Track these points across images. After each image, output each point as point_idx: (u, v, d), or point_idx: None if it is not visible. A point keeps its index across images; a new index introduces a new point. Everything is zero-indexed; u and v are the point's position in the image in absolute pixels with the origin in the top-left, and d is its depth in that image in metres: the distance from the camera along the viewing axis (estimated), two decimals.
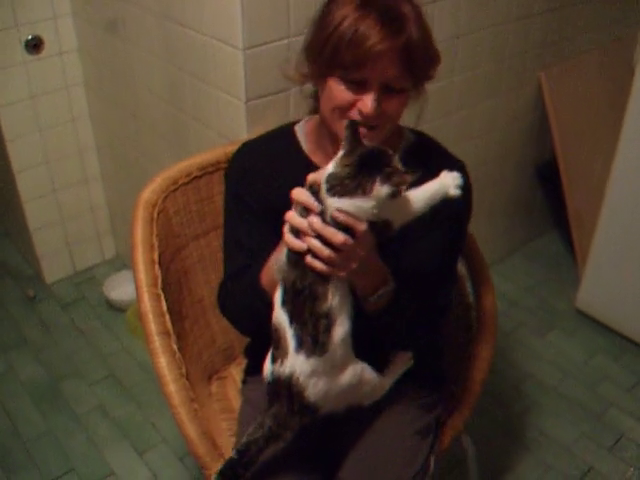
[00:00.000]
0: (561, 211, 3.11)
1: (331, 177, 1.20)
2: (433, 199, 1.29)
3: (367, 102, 1.35)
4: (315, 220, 1.21)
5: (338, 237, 1.20)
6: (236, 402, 1.85)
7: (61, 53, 2.72)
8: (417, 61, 1.34)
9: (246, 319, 1.56)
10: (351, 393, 1.40)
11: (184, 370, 1.57)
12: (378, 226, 1.24)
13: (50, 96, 2.78)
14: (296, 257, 1.27)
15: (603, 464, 2.37)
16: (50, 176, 2.94)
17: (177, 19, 2.05)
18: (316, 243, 1.22)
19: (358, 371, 1.39)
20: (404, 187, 1.19)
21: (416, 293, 1.45)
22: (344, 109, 1.38)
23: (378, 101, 1.35)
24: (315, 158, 1.54)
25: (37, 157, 2.87)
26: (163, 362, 1.54)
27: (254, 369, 1.76)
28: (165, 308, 1.61)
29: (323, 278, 1.27)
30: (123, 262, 3.24)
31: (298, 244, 1.25)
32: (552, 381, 2.69)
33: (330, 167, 1.22)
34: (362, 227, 1.20)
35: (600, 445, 2.43)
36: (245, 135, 1.93)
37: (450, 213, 1.36)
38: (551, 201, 3.38)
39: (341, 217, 1.19)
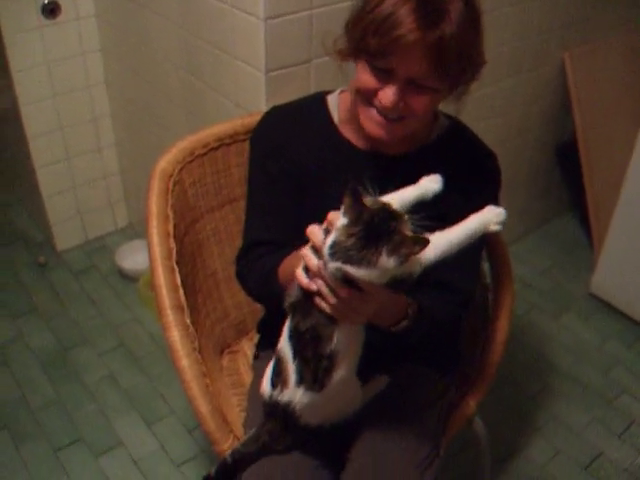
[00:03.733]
0: (579, 193, 3.08)
1: (334, 245, 1.12)
2: (472, 237, 1.25)
3: (388, 93, 1.31)
4: (322, 268, 1.16)
5: (341, 292, 1.16)
6: (247, 377, 1.84)
7: (78, 18, 2.68)
8: (449, 61, 1.26)
9: (261, 296, 1.60)
10: (341, 411, 1.44)
11: (196, 344, 1.56)
12: (396, 281, 1.18)
13: (66, 62, 2.75)
14: (306, 294, 1.24)
15: (613, 450, 2.35)
16: (64, 143, 2.92)
17: None
18: (324, 289, 1.18)
19: (356, 390, 1.43)
20: (411, 254, 1.12)
21: (441, 296, 1.44)
22: (367, 94, 1.35)
23: (400, 95, 1.30)
24: (344, 130, 1.51)
25: (51, 123, 2.84)
26: (176, 336, 1.52)
27: (266, 344, 1.75)
28: (179, 282, 1.59)
29: (330, 320, 1.24)
30: (135, 231, 3.22)
31: (307, 284, 1.21)
32: (565, 365, 2.67)
33: (333, 236, 1.13)
34: (368, 286, 1.15)
35: (611, 431, 2.42)
36: (264, 107, 1.90)
37: (479, 207, 1.32)
38: (569, 183, 3.35)
39: (343, 272, 1.13)
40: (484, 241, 1.65)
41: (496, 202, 1.50)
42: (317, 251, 1.18)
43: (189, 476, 2.22)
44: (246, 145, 1.62)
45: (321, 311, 1.22)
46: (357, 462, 1.46)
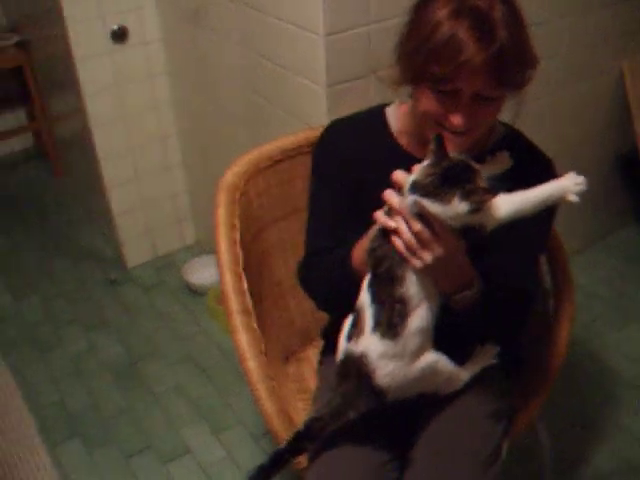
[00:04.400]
0: None
1: (414, 184, 1.22)
2: (547, 201, 1.28)
3: (458, 117, 1.34)
4: (404, 204, 1.24)
5: (415, 225, 1.23)
6: (312, 383, 1.88)
7: (145, 43, 2.79)
8: (510, 69, 1.29)
9: (328, 294, 1.59)
10: (424, 382, 1.42)
11: (263, 347, 1.61)
12: (468, 229, 1.25)
13: (134, 84, 2.86)
14: (384, 237, 1.31)
15: None
16: (133, 163, 3.03)
17: (257, 6, 2.09)
18: (401, 223, 1.25)
19: (432, 362, 1.40)
20: (483, 204, 1.20)
21: (504, 285, 1.45)
22: (435, 118, 1.38)
23: (469, 112, 1.34)
24: (403, 141, 1.55)
25: (121, 144, 2.95)
26: (243, 339, 1.58)
27: (331, 350, 1.78)
28: (246, 287, 1.65)
29: (403, 262, 1.29)
30: (203, 248, 3.30)
31: (387, 221, 1.28)
32: (629, 375, 2.65)
33: (414, 175, 1.24)
34: (438, 224, 1.22)
35: None
36: (325, 120, 1.95)
37: (537, 214, 1.34)
38: (632, 193, 3.32)
39: (419, 207, 1.21)
40: (546, 240, 1.67)
41: (554, 209, 1.54)
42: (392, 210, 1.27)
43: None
44: (309, 157, 1.66)
45: (396, 250, 1.28)
46: (420, 462, 1.48)
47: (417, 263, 1.27)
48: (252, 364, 1.56)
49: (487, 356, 1.55)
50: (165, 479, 2.29)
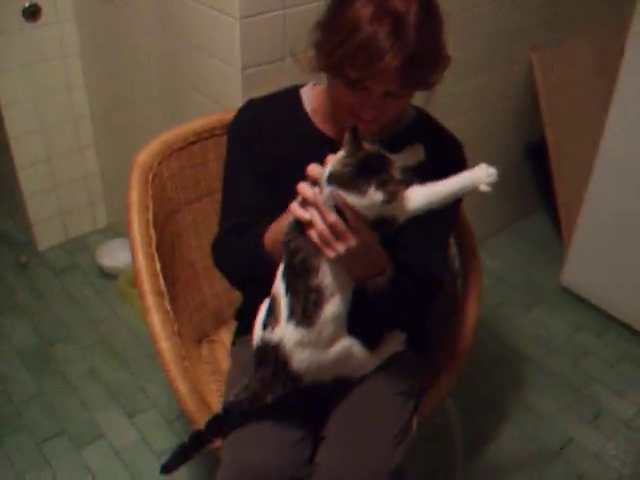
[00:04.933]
0: (549, 190, 3.16)
1: (331, 175, 1.24)
2: (459, 192, 1.31)
3: (368, 111, 1.38)
4: (318, 196, 1.27)
5: (330, 216, 1.26)
6: (225, 365, 1.89)
7: (58, 22, 2.73)
8: (421, 73, 1.33)
9: (241, 275, 1.61)
10: (338, 367, 1.46)
11: (176, 328, 1.61)
12: (381, 221, 1.29)
13: (46, 64, 2.80)
14: (298, 229, 1.33)
15: (583, 436, 2.42)
16: (44, 143, 2.96)
17: None
18: (315, 215, 1.27)
19: (346, 347, 1.44)
20: (397, 195, 1.23)
21: (413, 271, 1.48)
22: (346, 107, 1.41)
23: (380, 106, 1.37)
24: (317, 121, 1.57)
25: (32, 124, 2.89)
26: (156, 320, 1.58)
27: (244, 330, 1.79)
28: (159, 268, 1.65)
29: (318, 254, 1.32)
30: (115, 231, 3.26)
31: (302, 213, 1.29)
32: (535, 355, 2.74)
33: (330, 166, 1.25)
34: (350, 215, 1.25)
35: (581, 418, 2.49)
36: (240, 103, 1.93)
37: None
38: (540, 180, 3.42)
39: (336, 198, 1.24)
40: (453, 226, 1.72)
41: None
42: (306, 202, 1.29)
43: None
44: (223, 140, 1.66)
45: (311, 242, 1.30)
46: (331, 439, 1.51)
47: (331, 253, 1.30)
48: (165, 345, 1.56)
49: (395, 343, 1.60)
50: (79, 464, 2.27)
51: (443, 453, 2.19)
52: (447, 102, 2.62)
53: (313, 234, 1.30)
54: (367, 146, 1.26)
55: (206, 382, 1.79)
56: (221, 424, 1.50)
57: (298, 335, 1.37)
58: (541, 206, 3.55)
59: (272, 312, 1.41)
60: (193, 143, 1.84)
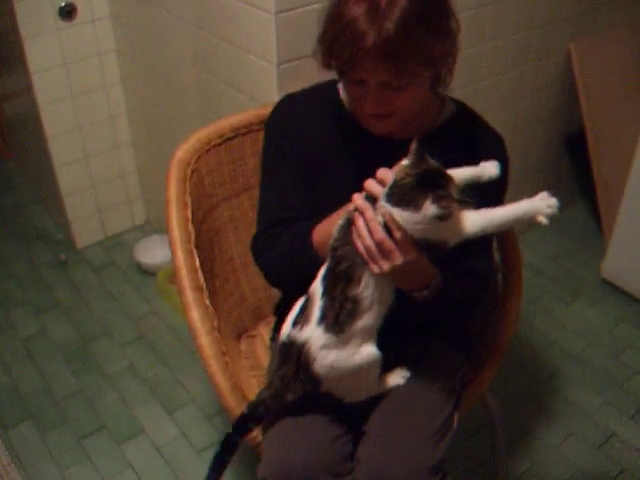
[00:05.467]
0: (588, 182, 3.12)
1: (394, 185, 1.25)
2: (516, 221, 1.31)
3: (368, 104, 1.38)
4: (369, 210, 1.27)
5: (377, 233, 1.26)
6: (265, 360, 1.89)
7: (94, 20, 2.75)
8: (404, 59, 1.28)
9: (283, 272, 1.58)
10: (353, 380, 1.45)
11: (216, 324, 1.61)
12: (431, 244, 1.29)
13: (82, 63, 2.82)
14: (347, 236, 1.33)
15: (625, 431, 2.39)
16: (82, 142, 2.99)
17: None
18: (364, 228, 1.28)
19: (371, 355, 1.42)
20: (451, 212, 1.23)
21: (462, 276, 1.49)
22: (354, 101, 1.42)
23: (380, 99, 1.36)
24: (356, 115, 1.55)
25: (69, 123, 2.91)
26: (196, 315, 1.58)
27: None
28: (198, 264, 1.65)
29: (363, 265, 1.32)
30: (153, 228, 3.29)
31: (357, 218, 1.30)
32: (576, 349, 2.71)
33: (394, 173, 1.26)
34: (399, 235, 1.25)
35: (622, 412, 2.45)
36: (276, 99, 1.94)
37: (489, 188, 1.37)
38: (579, 171, 3.38)
39: (386, 216, 1.24)
40: None
41: (504, 187, 1.56)
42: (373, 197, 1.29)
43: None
44: (260, 135, 1.67)
45: (357, 251, 1.30)
46: (373, 436, 1.50)
47: (375, 269, 1.30)
48: (205, 340, 1.57)
49: (398, 377, 1.58)
50: (119, 460, 2.29)
51: (484, 448, 2.17)
52: (484, 94, 2.61)
53: (360, 245, 1.30)
54: (431, 161, 1.26)
55: (246, 377, 1.80)
56: (246, 422, 1.52)
57: (325, 340, 1.37)
58: (580, 198, 3.51)
59: (304, 311, 1.41)
60: (230, 139, 1.84)
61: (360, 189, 1.32)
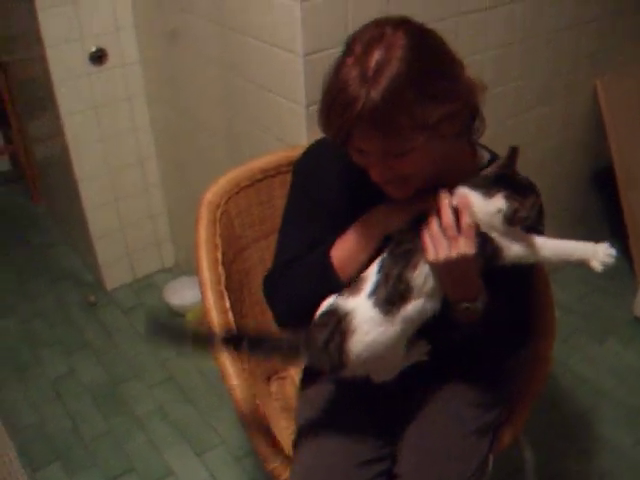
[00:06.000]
0: (618, 219, 3.09)
1: (477, 175, 1.33)
2: (568, 257, 1.35)
3: (373, 172, 1.35)
4: (446, 197, 1.31)
5: (446, 216, 1.29)
6: (295, 402, 1.88)
7: (124, 65, 2.80)
8: (393, 125, 1.22)
9: (300, 305, 1.48)
10: (380, 360, 1.40)
11: (246, 365, 1.61)
12: (488, 249, 1.31)
13: (112, 106, 2.87)
14: (416, 224, 1.35)
15: None
16: (112, 184, 3.02)
17: (236, 27, 2.11)
18: (434, 210, 1.32)
19: (397, 352, 1.40)
20: (518, 218, 1.27)
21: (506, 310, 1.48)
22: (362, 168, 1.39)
23: (385, 167, 1.31)
24: None
25: (99, 166, 2.95)
26: (227, 357, 1.58)
27: (312, 369, 1.79)
28: (228, 305, 1.65)
29: (422, 251, 1.33)
30: (182, 270, 3.30)
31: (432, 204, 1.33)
32: (609, 387, 2.67)
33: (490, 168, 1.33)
34: (467, 221, 1.27)
35: None
36: (304, 140, 1.97)
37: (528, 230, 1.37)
38: (607, 210, 3.36)
39: (461, 198, 1.29)
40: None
41: (543, 231, 1.54)
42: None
43: None
44: (289, 177, 1.66)
45: (420, 237, 1.32)
46: (406, 477, 1.49)
47: (431, 255, 1.30)
48: (236, 382, 1.56)
49: (418, 351, 1.51)
50: None
51: None
52: (509, 133, 2.60)
53: (425, 230, 1.31)
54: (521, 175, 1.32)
55: (276, 419, 1.78)
56: (240, 341, 1.40)
57: (373, 314, 1.33)
58: (610, 235, 3.47)
59: (355, 284, 1.38)
60: (260, 180, 1.85)
61: None
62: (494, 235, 1.31)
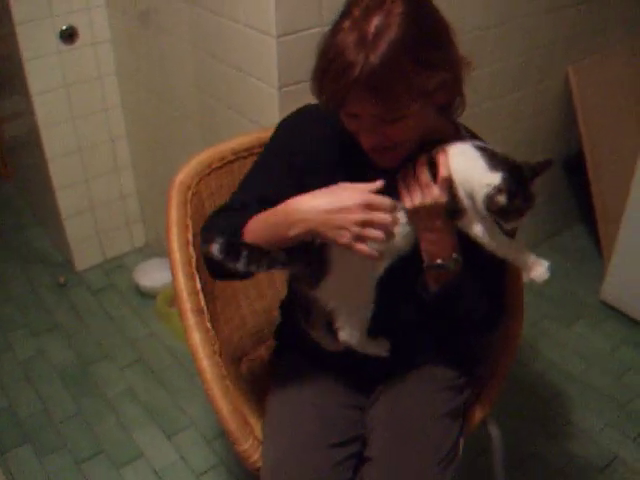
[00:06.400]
0: (587, 204, 3.12)
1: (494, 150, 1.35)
2: (511, 258, 1.40)
3: (364, 138, 1.36)
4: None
5: (421, 166, 1.35)
6: (266, 383, 1.88)
7: (94, 43, 2.77)
8: (391, 90, 1.24)
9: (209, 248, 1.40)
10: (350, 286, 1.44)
11: (217, 347, 1.61)
12: (452, 205, 1.35)
13: (83, 85, 2.83)
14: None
15: (627, 453, 2.37)
16: (82, 164, 2.99)
17: (209, 7, 2.09)
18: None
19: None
20: (496, 201, 1.28)
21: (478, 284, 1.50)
22: (353, 133, 1.39)
23: (376, 133, 1.33)
24: None
25: (70, 145, 2.92)
26: (197, 338, 1.57)
27: (283, 351, 1.80)
28: (199, 287, 1.64)
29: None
30: (153, 251, 3.28)
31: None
32: (577, 371, 2.70)
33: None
34: (443, 172, 1.32)
35: (625, 435, 2.44)
36: (277, 122, 1.95)
37: None
38: (577, 194, 3.39)
39: (440, 152, 1.34)
40: None
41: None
42: None
43: None
44: None
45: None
46: (375, 462, 1.50)
47: (407, 201, 1.34)
48: (206, 363, 1.56)
49: (378, 346, 1.54)
50: None
51: (486, 473, 2.16)
52: (483, 117, 2.61)
53: (401, 180, 1.36)
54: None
55: (247, 401, 1.78)
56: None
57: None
58: (580, 220, 3.51)
59: None
60: (231, 162, 1.84)
61: None
62: (466, 203, 1.34)
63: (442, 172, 1.32)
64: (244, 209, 1.46)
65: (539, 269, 1.37)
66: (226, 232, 1.38)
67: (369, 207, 1.27)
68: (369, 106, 1.26)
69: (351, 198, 1.27)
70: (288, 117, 1.60)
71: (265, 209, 1.39)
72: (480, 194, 1.29)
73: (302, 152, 1.51)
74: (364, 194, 1.28)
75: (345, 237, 1.27)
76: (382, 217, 1.27)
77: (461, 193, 1.34)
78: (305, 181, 1.44)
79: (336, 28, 1.27)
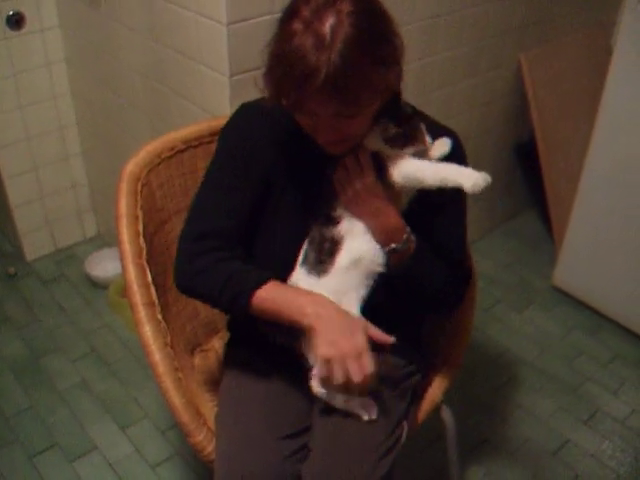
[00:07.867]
0: (540, 190, 3.15)
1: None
2: (443, 180, 1.38)
3: (322, 135, 1.37)
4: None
5: (349, 159, 1.44)
6: (219, 374, 1.87)
7: (42, 29, 2.71)
8: (354, 88, 1.24)
9: (207, 296, 1.50)
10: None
11: (168, 340, 1.59)
12: (378, 164, 1.43)
13: (31, 73, 2.77)
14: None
15: (579, 437, 2.41)
16: (31, 153, 2.94)
17: None
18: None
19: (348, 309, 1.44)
20: (389, 135, 1.39)
21: (437, 259, 1.53)
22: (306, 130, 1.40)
23: (333, 128, 1.34)
24: None
25: (18, 134, 2.86)
26: (148, 331, 1.56)
27: (236, 342, 1.79)
28: (150, 279, 1.63)
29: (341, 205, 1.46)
30: (104, 240, 3.24)
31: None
32: (529, 356, 2.74)
33: None
34: (362, 154, 1.43)
35: (576, 418, 2.48)
36: (228, 110, 1.94)
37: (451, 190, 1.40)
38: (530, 180, 3.42)
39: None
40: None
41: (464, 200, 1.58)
42: None
43: (164, 477, 2.24)
44: (212, 147, 1.61)
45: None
46: (315, 451, 1.50)
47: (343, 196, 1.42)
48: (158, 356, 1.54)
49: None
50: (72, 478, 2.24)
51: (440, 459, 2.18)
52: (436, 104, 2.62)
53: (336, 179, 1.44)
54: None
55: (199, 392, 1.77)
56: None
57: (310, 280, 1.44)
58: (532, 206, 3.55)
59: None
60: (182, 151, 1.82)
61: (309, 204, 1.43)
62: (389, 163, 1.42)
63: (360, 154, 1.43)
64: (226, 238, 1.48)
65: (475, 176, 1.35)
66: (227, 286, 1.42)
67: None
68: (331, 106, 1.27)
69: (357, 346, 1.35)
70: (230, 122, 1.57)
71: (244, 230, 1.50)
72: (381, 144, 1.41)
73: (255, 156, 1.50)
74: (364, 344, 1.35)
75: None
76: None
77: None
78: (265, 181, 1.51)
79: (287, 30, 1.25)
